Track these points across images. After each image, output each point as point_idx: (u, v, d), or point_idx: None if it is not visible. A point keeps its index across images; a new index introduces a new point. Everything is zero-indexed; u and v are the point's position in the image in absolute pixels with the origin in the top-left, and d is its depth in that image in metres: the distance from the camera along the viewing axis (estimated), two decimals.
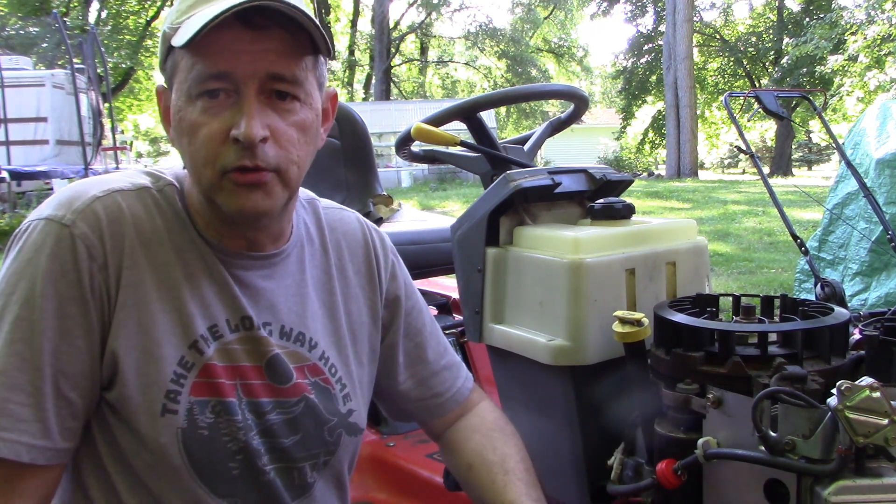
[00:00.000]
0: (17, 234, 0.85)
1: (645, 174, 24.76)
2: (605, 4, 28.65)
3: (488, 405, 1.18)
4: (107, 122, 11.49)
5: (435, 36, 32.57)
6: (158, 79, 0.92)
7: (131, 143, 16.41)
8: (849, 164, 3.02)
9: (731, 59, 28.11)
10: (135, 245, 0.86)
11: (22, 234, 0.85)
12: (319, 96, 0.91)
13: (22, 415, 0.80)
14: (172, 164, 0.98)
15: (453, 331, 1.99)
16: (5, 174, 8.72)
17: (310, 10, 0.88)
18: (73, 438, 0.85)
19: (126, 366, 0.84)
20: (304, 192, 1.08)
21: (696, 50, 23.66)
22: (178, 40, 0.81)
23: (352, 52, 31.25)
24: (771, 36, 26.81)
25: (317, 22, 0.84)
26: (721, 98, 3.33)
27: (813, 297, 2.29)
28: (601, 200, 1.21)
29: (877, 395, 0.72)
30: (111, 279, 0.84)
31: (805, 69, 21.11)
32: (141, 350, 0.85)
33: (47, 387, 0.81)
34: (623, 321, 0.97)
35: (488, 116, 13.08)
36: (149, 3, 25.19)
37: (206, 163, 0.84)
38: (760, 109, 2.65)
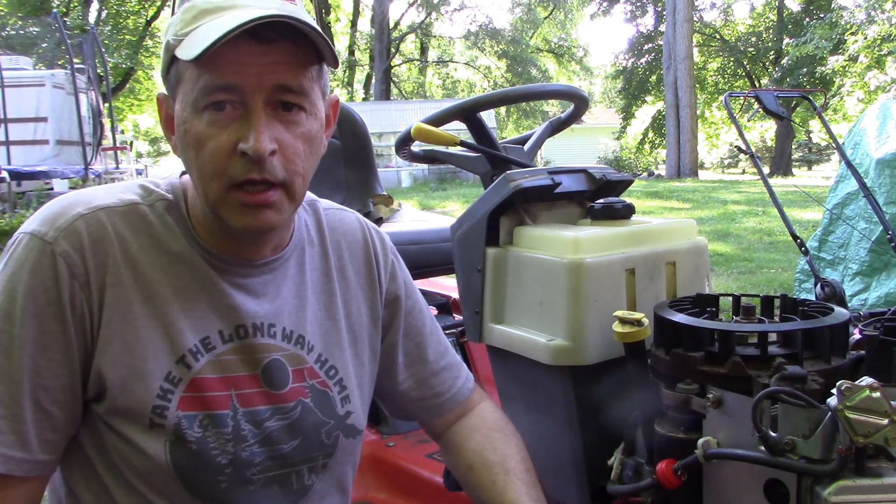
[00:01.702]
0: (8, 246, 0.86)
1: (645, 174, 24.76)
2: (605, 4, 28.67)
3: (489, 405, 1.18)
4: (107, 122, 11.49)
5: (435, 36, 32.56)
6: (158, 80, 0.92)
7: (131, 143, 16.38)
8: (849, 164, 3.02)
9: (731, 59, 28.11)
10: (119, 263, 0.86)
11: (10, 247, 0.86)
12: (323, 105, 0.91)
13: None
14: (171, 167, 0.98)
15: (453, 331, 1.99)
16: (5, 174, 8.71)
17: (311, 17, 0.88)
18: (54, 451, 0.86)
19: (112, 382, 0.85)
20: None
21: (696, 50, 23.66)
22: (186, 53, 0.80)
23: (352, 52, 31.23)
24: (771, 36, 26.82)
25: (322, 32, 0.84)
26: (721, 98, 3.32)
27: (813, 297, 2.29)
28: (601, 200, 1.21)
29: (877, 395, 0.71)
30: (94, 297, 0.85)
31: (805, 69, 21.11)
32: (126, 367, 0.85)
33: (26, 400, 0.82)
34: (623, 321, 0.97)
35: (488, 116, 13.09)
36: (149, 3, 25.18)
37: (213, 176, 0.84)
38: (760, 109, 2.65)
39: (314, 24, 0.83)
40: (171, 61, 0.85)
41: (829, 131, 2.89)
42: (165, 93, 0.90)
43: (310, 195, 1.09)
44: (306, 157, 0.87)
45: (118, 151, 11.87)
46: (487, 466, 1.06)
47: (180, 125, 0.85)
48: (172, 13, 0.88)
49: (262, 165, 0.82)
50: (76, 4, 24.34)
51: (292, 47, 0.83)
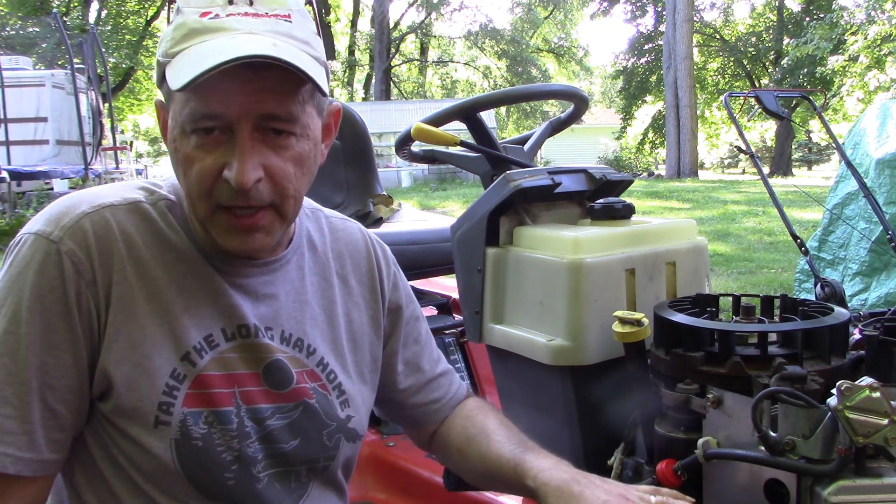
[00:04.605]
0: (11, 246, 0.86)
1: (645, 174, 24.77)
2: (605, 4, 28.67)
3: (473, 397, 1.19)
4: (107, 122, 11.49)
5: (435, 36, 32.56)
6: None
7: (131, 143, 16.39)
8: (849, 164, 3.02)
9: (731, 59, 28.11)
10: (124, 261, 0.86)
11: (14, 247, 0.85)
12: (320, 122, 0.90)
13: (8, 427, 0.81)
14: (171, 167, 0.99)
15: (453, 331, 1.99)
16: (5, 174, 8.71)
17: (310, 25, 0.87)
18: (61, 450, 0.86)
19: (118, 380, 0.85)
20: (308, 202, 1.08)
21: (696, 50, 23.66)
22: (172, 80, 0.80)
23: (352, 52, 31.25)
24: (771, 36, 26.82)
25: (317, 58, 0.83)
26: (721, 98, 3.32)
27: (813, 297, 2.29)
28: (601, 200, 1.22)
29: (877, 395, 0.72)
30: (100, 295, 0.85)
31: (805, 69, 21.12)
32: (132, 364, 0.85)
33: (34, 400, 0.82)
34: (623, 321, 0.97)
35: (488, 116, 13.08)
36: (149, 3, 25.17)
37: (200, 197, 0.84)
38: (760, 109, 2.65)
39: (306, 52, 0.83)
40: (163, 76, 0.85)
41: (829, 131, 2.89)
42: (163, 101, 0.90)
43: (313, 204, 1.09)
44: (297, 179, 0.87)
45: (118, 151, 11.87)
46: (472, 440, 1.07)
47: (171, 141, 0.86)
48: (168, 21, 0.88)
49: (246, 194, 0.82)
50: (76, 4, 24.33)
51: (281, 72, 0.81)
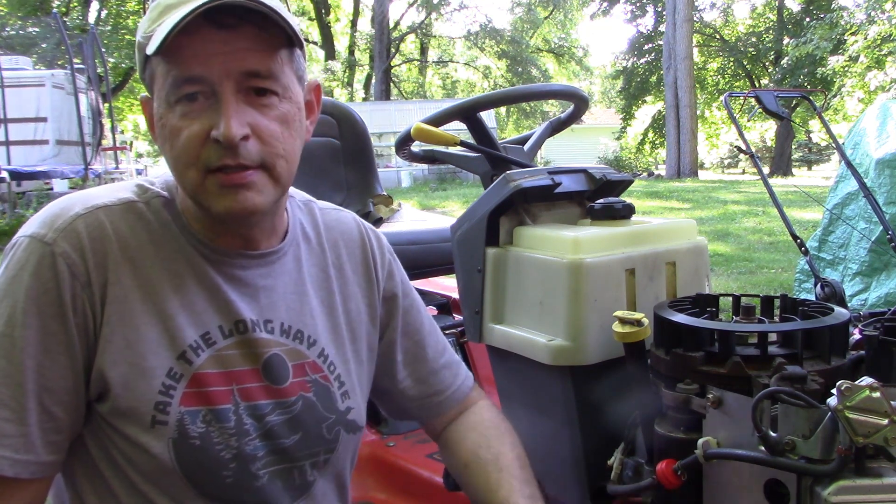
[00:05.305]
0: (7, 250, 0.86)
1: (645, 174, 24.77)
2: (605, 4, 28.66)
3: (486, 403, 1.19)
4: (106, 122, 11.50)
5: (435, 36, 32.55)
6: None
7: (131, 143, 16.41)
8: (849, 164, 3.02)
9: (731, 59, 28.11)
10: (118, 261, 0.86)
11: (10, 251, 0.86)
12: (300, 89, 0.91)
13: (5, 430, 0.81)
14: (164, 170, 1.00)
15: (453, 331, 1.99)
16: (5, 174, 8.72)
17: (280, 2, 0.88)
18: (58, 452, 0.86)
19: (114, 381, 0.85)
20: (300, 195, 1.08)
21: (696, 50, 23.66)
22: (151, 48, 0.80)
23: (352, 52, 31.23)
24: (771, 36, 26.83)
25: (287, 15, 0.84)
26: (721, 98, 3.32)
27: (813, 297, 2.29)
28: (601, 200, 1.21)
29: (877, 395, 0.71)
30: (95, 296, 0.85)
31: (805, 69, 21.13)
32: (128, 364, 0.85)
33: (30, 402, 0.82)
34: (623, 321, 0.97)
35: (488, 116, 13.08)
36: (149, 3, 25.18)
37: (188, 164, 0.84)
38: (760, 109, 2.65)
39: (277, 4, 0.83)
40: (145, 61, 0.86)
41: (829, 131, 2.89)
42: (148, 95, 0.90)
43: (305, 196, 1.09)
44: (285, 138, 0.87)
45: (118, 151, 11.88)
46: (482, 464, 1.06)
47: (158, 120, 0.86)
48: None
49: (235, 151, 0.82)
50: (76, 4, 24.34)
51: (257, 32, 0.82)
